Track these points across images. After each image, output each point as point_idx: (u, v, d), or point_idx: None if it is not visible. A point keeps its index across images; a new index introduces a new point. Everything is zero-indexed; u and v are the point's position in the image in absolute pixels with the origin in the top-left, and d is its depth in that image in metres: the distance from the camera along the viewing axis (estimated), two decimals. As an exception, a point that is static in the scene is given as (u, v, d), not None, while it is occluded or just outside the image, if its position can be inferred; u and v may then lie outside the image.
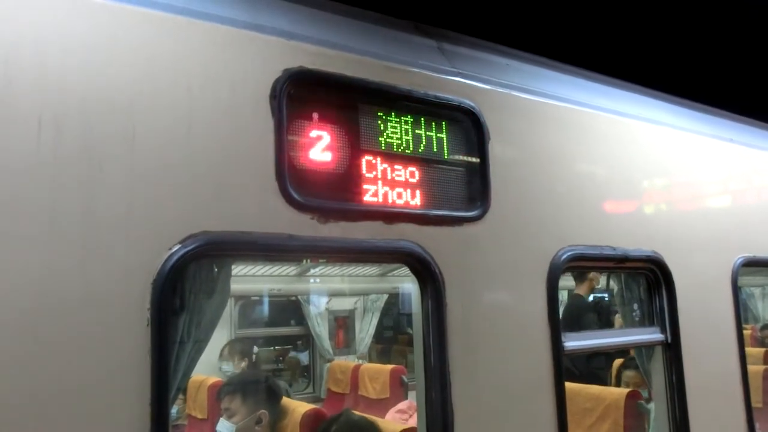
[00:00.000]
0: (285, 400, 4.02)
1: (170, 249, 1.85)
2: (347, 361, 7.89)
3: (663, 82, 4.30)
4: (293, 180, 2.12)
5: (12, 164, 1.65)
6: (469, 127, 2.65)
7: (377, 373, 6.24)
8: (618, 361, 5.12)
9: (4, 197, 1.63)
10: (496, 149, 2.68)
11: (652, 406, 3.65)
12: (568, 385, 2.90)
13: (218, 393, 3.92)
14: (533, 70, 3.16)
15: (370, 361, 8.46)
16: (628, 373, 5.01)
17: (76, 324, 1.69)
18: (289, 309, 8.72)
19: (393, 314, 9.64)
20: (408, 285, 2.49)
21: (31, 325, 1.63)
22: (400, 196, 2.39)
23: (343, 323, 8.97)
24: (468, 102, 2.63)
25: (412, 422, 4.23)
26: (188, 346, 2.07)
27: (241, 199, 2.02)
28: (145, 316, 1.79)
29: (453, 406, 2.36)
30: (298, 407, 3.78)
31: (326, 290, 8.33)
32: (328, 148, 2.26)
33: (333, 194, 2.24)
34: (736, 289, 3.68)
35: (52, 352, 1.65)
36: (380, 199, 2.34)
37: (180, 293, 2.00)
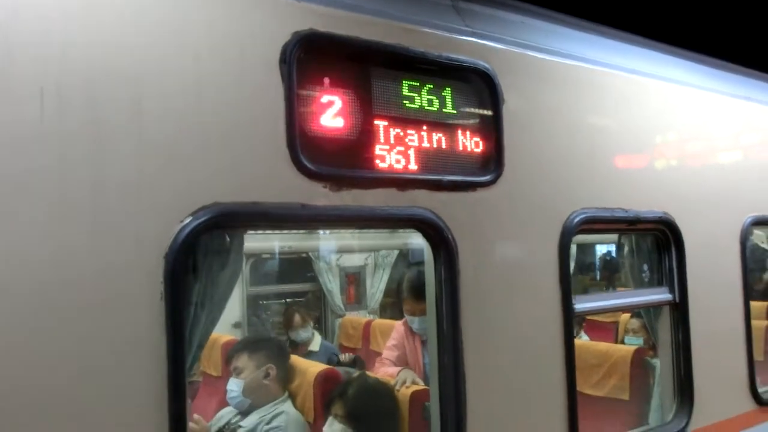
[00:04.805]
0: (298, 360, 4.10)
1: (182, 221, 1.83)
2: (358, 317, 7.99)
3: (680, 37, 4.18)
4: (305, 148, 2.09)
5: (16, 137, 1.61)
6: (483, 89, 2.59)
7: (389, 329, 6.29)
8: (625, 317, 5.17)
9: (9, 171, 1.59)
10: (509, 112, 2.63)
11: (657, 362, 3.72)
12: (575, 342, 2.93)
13: (227, 357, 4.01)
14: (547, 27, 3.08)
15: (381, 316, 8.56)
16: (634, 321, 5.07)
17: (89, 299, 1.68)
18: (301, 266, 8.79)
19: (404, 270, 9.70)
20: (419, 240, 2.50)
21: (44, 301, 1.62)
22: (412, 161, 2.37)
23: (354, 279, 9.03)
24: (482, 63, 2.57)
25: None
26: (202, 317, 2.08)
27: (253, 168, 2.00)
28: (159, 290, 1.78)
29: (465, 370, 2.39)
30: (310, 367, 3.85)
31: (337, 247, 8.37)
32: (340, 113, 2.21)
33: (345, 161, 2.22)
34: (744, 249, 3.69)
35: (66, 328, 1.64)
36: (393, 166, 2.32)
37: (193, 265, 2.00)
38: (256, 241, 7.14)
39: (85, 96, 1.71)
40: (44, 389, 1.61)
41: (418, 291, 3.77)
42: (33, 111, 1.64)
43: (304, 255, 8.43)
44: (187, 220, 1.84)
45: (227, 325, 7.45)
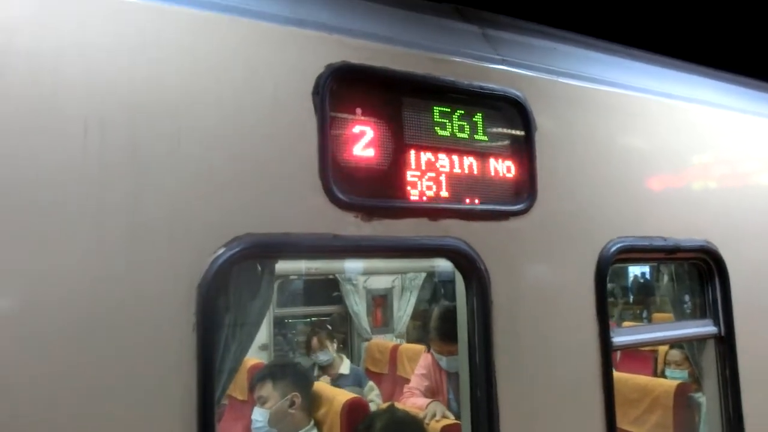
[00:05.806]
0: (324, 387, 4.05)
1: (215, 252, 1.83)
2: (385, 341, 7.91)
3: (720, 60, 4.08)
4: (337, 178, 2.08)
5: (58, 169, 1.65)
6: (515, 117, 2.55)
7: (416, 355, 6.21)
8: (663, 349, 4.99)
9: (50, 202, 1.64)
10: (542, 140, 2.59)
11: (703, 399, 3.55)
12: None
13: (250, 385, 3.98)
14: (578, 52, 3.03)
15: (408, 339, 8.47)
16: (675, 353, 4.88)
17: (121, 329, 1.69)
18: (327, 287, 8.77)
19: (431, 293, 9.61)
20: (447, 263, 2.46)
21: (77, 329, 1.63)
22: (444, 191, 2.33)
23: (381, 302, 8.98)
24: (514, 92, 2.53)
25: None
26: (233, 346, 2.07)
27: (285, 199, 2.00)
28: (191, 321, 1.78)
29: (498, 404, 2.32)
30: (338, 395, 3.79)
31: (364, 269, 8.34)
32: (372, 144, 2.20)
33: (377, 191, 2.20)
34: None
35: (98, 356, 1.65)
36: (425, 195, 2.29)
37: (225, 295, 1.99)
38: (282, 262, 7.13)
39: (126, 129, 1.75)
40: (75, 416, 1.61)
41: (444, 332, 3.72)
42: (77, 144, 1.68)
43: (330, 277, 8.43)
44: (221, 251, 1.84)
45: (254, 347, 7.45)
